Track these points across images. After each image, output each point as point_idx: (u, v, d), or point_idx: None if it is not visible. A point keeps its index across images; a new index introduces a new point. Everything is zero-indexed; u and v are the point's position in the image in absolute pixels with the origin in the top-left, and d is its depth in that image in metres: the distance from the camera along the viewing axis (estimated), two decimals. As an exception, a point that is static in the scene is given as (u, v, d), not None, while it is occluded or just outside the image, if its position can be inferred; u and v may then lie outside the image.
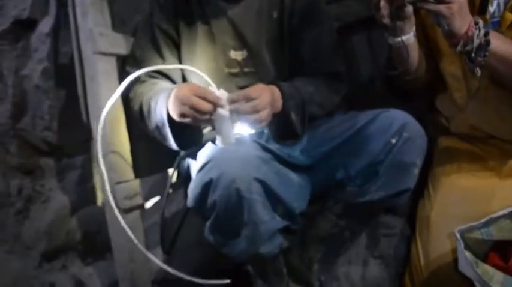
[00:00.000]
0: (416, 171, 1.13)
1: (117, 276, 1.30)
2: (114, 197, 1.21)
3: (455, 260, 1.06)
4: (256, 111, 0.98)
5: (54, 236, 1.50)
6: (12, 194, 1.56)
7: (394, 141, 1.09)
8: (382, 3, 1.02)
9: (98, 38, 1.24)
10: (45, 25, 1.44)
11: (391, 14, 1.03)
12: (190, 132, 1.09)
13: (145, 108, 1.09)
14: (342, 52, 1.26)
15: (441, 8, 0.96)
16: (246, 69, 1.19)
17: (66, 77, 1.39)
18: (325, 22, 1.22)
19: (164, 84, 1.17)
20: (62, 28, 1.42)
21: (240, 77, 1.18)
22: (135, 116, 1.16)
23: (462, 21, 0.98)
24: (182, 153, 1.14)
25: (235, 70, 1.17)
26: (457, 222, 1.07)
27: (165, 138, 1.08)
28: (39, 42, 1.44)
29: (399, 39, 1.08)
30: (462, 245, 1.02)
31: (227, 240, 1.03)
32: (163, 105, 1.02)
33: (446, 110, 1.30)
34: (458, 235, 1.03)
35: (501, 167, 1.20)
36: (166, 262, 1.30)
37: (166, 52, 1.19)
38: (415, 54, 1.17)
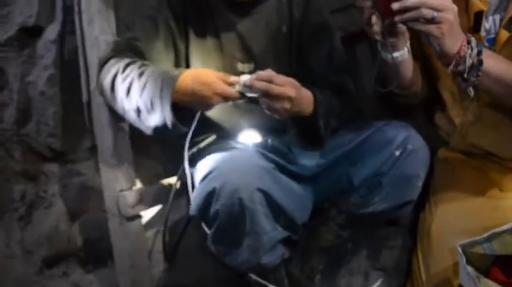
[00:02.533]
0: (419, 183, 1.13)
1: (118, 283, 1.30)
2: (117, 205, 1.22)
3: (457, 274, 1.06)
4: (269, 95, 0.98)
5: (56, 242, 1.49)
6: (16, 200, 1.55)
7: (398, 153, 1.10)
8: (374, 20, 1.00)
9: (103, 45, 1.24)
10: (51, 32, 1.44)
11: (383, 30, 1.00)
12: (184, 117, 1.06)
13: (141, 80, 1.04)
14: (346, 62, 1.26)
15: (431, 28, 0.92)
16: None
17: (71, 83, 1.39)
18: (334, 38, 1.22)
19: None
20: (68, 35, 1.43)
21: (241, 75, 1.17)
22: (117, 88, 1.08)
23: (453, 40, 0.95)
24: (185, 161, 1.13)
25: None
26: (457, 235, 1.07)
27: (152, 114, 1.03)
28: (45, 49, 1.45)
29: (392, 55, 1.05)
30: (464, 259, 1.01)
31: (229, 250, 1.03)
32: (170, 83, 1.00)
33: (444, 126, 1.28)
34: (460, 250, 1.02)
35: (502, 180, 1.20)
36: (168, 269, 1.31)
37: (164, 44, 1.15)
38: (409, 69, 1.14)
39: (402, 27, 1.02)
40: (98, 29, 1.27)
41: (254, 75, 1.01)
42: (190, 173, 1.18)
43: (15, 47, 1.48)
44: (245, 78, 1.02)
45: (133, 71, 1.05)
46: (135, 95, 1.04)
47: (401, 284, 1.26)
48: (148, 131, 1.08)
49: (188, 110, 1.07)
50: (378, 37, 1.01)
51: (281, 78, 1.00)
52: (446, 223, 1.15)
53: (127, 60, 1.08)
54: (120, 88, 1.06)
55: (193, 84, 1.01)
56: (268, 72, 1.01)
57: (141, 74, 1.04)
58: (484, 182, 1.20)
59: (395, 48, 1.05)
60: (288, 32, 1.18)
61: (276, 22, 1.18)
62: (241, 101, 1.04)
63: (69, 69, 1.41)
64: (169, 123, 1.01)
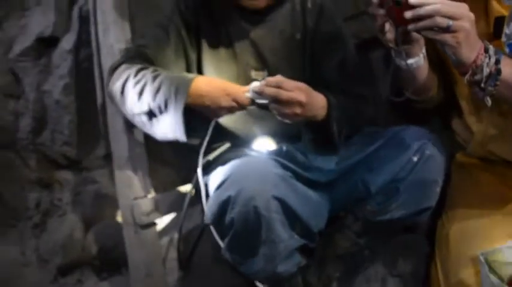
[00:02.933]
0: (437, 189, 1.12)
1: (133, 292, 1.29)
2: (132, 213, 1.22)
3: (477, 283, 1.03)
4: (278, 100, 0.99)
5: (70, 250, 1.49)
6: (30, 208, 1.57)
7: (415, 159, 1.08)
8: (387, 27, 0.96)
9: (118, 54, 1.26)
10: (67, 42, 1.46)
11: (397, 38, 0.96)
12: (196, 122, 1.08)
13: (155, 83, 1.05)
14: (360, 70, 1.25)
15: (446, 37, 0.88)
16: None
17: (87, 92, 1.41)
18: (347, 46, 1.22)
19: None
20: (84, 45, 1.45)
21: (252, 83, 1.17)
22: (127, 92, 1.08)
23: (470, 49, 0.91)
24: (199, 170, 1.13)
25: None
26: (476, 241, 1.06)
27: (165, 115, 1.04)
28: (61, 59, 1.47)
29: (407, 62, 1.02)
30: (486, 268, 0.99)
31: (245, 258, 1.02)
32: (185, 85, 1.03)
33: (461, 133, 1.26)
34: (482, 258, 1.01)
35: None
36: (183, 278, 1.30)
37: (175, 53, 1.16)
38: (424, 75, 1.11)
39: (417, 35, 0.98)
40: (113, 38, 1.28)
41: (263, 82, 1.01)
42: (205, 181, 1.18)
43: (32, 57, 1.50)
44: (255, 84, 1.03)
45: (146, 75, 1.07)
46: (148, 97, 1.05)
47: (418, 291, 1.25)
48: (158, 135, 1.09)
49: (199, 119, 1.08)
50: (391, 45, 0.98)
51: (290, 83, 1.01)
52: (464, 229, 1.13)
53: (139, 66, 1.10)
54: (132, 91, 1.07)
55: (206, 87, 1.05)
56: (277, 78, 1.01)
57: (155, 78, 1.06)
58: (502, 188, 1.18)
59: (410, 55, 1.02)
60: (301, 40, 1.18)
61: (290, 30, 1.18)
62: (252, 108, 1.04)
63: (84, 78, 1.43)
64: (180, 126, 1.02)
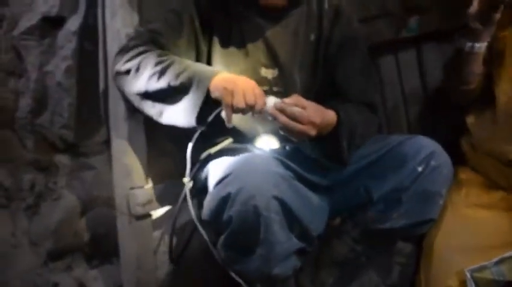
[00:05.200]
0: (441, 201, 1.11)
1: (122, 282, 1.28)
2: (127, 203, 1.20)
3: None
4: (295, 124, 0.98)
5: (62, 235, 1.48)
6: (24, 189, 1.55)
7: (420, 169, 1.07)
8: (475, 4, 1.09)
9: (124, 38, 1.23)
10: (73, 23, 1.43)
11: (482, 15, 1.10)
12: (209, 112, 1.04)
13: (182, 64, 1.04)
14: (373, 75, 1.25)
15: None
16: (275, 89, 1.16)
17: (89, 76, 1.38)
18: (362, 51, 1.21)
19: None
20: (89, 28, 1.42)
21: (268, 95, 1.16)
22: (144, 69, 1.06)
23: None
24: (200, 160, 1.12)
25: (264, 88, 1.14)
26: (460, 253, 1.07)
27: (184, 94, 1.01)
28: (65, 40, 1.44)
29: (475, 44, 1.14)
30: (473, 286, 0.99)
31: (240, 257, 1.00)
32: (211, 71, 1.02)
33: (483, 127, 1.27)
34: (468, 275, 1.01)
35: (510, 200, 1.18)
36: (173, 272, 1.28)
37: (187, 42, 1.14)
38: (479, 64, 1.20)
39: (496, 18, 1.11)
40: (120, 23, 1.25)
41: (283, 101, 0.99)
42: (204, 175, 1.16)
43: (36, 36, 1.47)
44: (273, 100, 1.01)
45: (171, 57, 1.06)
46: (171, 76, 1.02)
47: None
48: (165, 118, 1.06)
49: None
50: (474, 24, 1.12)
51: (309, 106, 0.99)
52: (449, 240, 1.13)
53: (160, 51, 1.08)
54: (151, 70, 1.04)
55: (230, 75, 1.03)
56: (297, 99, 1.00)
57: (180, 61, 1.05)
58: (491, 202, 1.20)
59: (479, 38, 1.14)
60: (316, 41, 1.18)
61: (305, 31, 1.17)
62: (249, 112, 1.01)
63: (88, 62, 1.40)
64: (196, 108, 1.00)
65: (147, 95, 1.06)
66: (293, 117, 0.97)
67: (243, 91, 0.97)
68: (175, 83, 1.01)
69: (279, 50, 1.15)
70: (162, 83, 1.03)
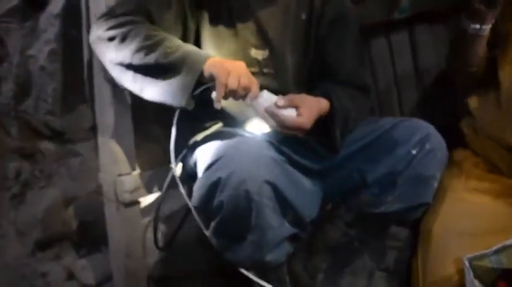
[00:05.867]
0: (435, 184, 1.10)
1: (111, 270, 1.27)
2: (115, 190, 1.18)
3: (455, 283, 1.04)
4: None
5: (50, 224, 1.46)
6: (9, 178, 1.52)
7: (414, 152, 1.06)
8: None
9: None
10: (56, 6, 1.39)
11: None
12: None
13: (167, 44, 0.99)
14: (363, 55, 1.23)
15: None
16: (265, 70, 1.13)
17: (73, 60, 1.35)
18: (353, 31, 1.20)
19: None
20: (73, 10, 1.38)
21: (258, 77, 1.11)
22: (133, 41, 1.01)
23: None
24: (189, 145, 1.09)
25: (254, 69, 1.11)
26: (458, 238, 1.06)
27: (177, 71, 0.98)
28: (48, 23, 1.40)
29: (478, 26, 1.13)
30: (471, 274, 0.98)
31: (231, 244, 0.98)
32: (201, 59, 0.98)
33: (486, 111, 1.26)
34: (467, 263, 0.99)
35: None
36: (163, 259, 1.27)
37: (174, 18, 1.09)
38: (483, 47, 1.20)
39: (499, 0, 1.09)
40: (104, 5, 1.21)
41: (272, 104, 0.99)
42: (193, 161, 1.13)
43: (17, 19, 1.43)
44: (267, 95, 1.00)
45: (161, 34, 1.02)
46: (160, 53, 0.98)
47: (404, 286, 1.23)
48: (148, 94, 1.01)
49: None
50: (479, 5, 1.10)
51: (303, 104, 0.99)
52: (447, 225, 1.12)
53: (149, 25, 1.04)
54: (139, 43, 0.99)
55: (225, 60, 1.01)
56: (289, 101, 0.99)
57: (172, 40, 1.02)
58: (491, 186, 1.18)
59: (484, 20, 1.13)
60: (307, 20, 1.15)
61: (295, 9, 1.14)
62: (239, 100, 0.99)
63: (72, 46, 1.37)
64: (189, 88, 0.96)
65: (129, 67, 1.01)
66: (282, 125, 0.98)
67: (238, 74, 0.95)
68: (164, 61, 0.97)
69: (269, 30, 1.12)
70: (149, 59, 0.98)
